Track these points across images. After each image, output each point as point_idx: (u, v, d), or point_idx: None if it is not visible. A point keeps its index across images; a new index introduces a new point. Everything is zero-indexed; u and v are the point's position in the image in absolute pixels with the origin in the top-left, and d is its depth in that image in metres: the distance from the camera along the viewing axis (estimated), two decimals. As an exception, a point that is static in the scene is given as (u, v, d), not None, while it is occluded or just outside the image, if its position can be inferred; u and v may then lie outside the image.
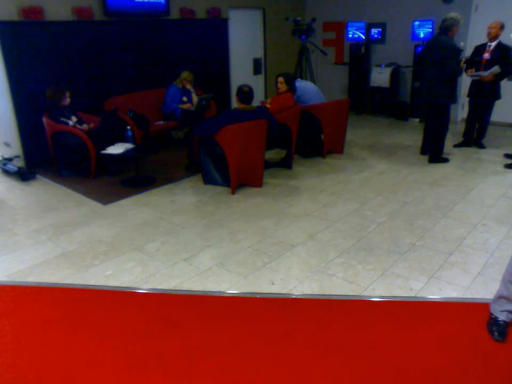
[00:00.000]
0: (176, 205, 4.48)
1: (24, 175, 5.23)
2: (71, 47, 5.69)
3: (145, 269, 3.31)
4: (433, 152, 5.58)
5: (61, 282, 3.17)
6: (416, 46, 7.69)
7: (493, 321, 2.55)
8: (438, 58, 5.10)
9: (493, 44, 5.62)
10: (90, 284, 3.15)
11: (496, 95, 5.76)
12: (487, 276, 3.13)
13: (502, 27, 5.54)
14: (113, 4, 5.93)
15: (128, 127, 5.14)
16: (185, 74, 6.38)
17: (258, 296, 2.97)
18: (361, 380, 2.26)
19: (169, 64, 6.81)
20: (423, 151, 5.85)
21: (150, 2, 6.35)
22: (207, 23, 7.23)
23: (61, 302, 2.96)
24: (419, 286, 3.03)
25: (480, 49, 5.73)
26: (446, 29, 5.11)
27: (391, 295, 2.94)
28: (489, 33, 5.60)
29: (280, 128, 5.10)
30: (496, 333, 2.49)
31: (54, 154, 5.29)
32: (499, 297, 2.56)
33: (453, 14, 5.08)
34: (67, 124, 5.11)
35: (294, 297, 2.96)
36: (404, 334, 2.58)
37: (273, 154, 5.95)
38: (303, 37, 7.18)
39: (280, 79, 5.51)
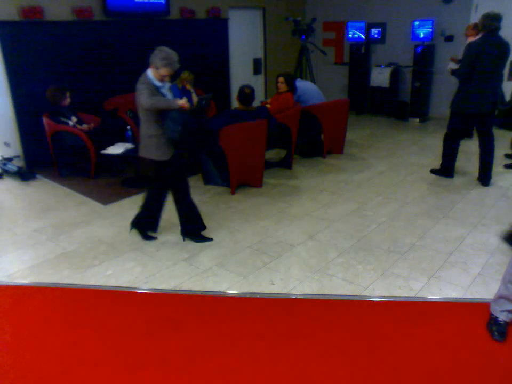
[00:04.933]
0: (176, 205, 4.48)
1: (24, 175, 5.23)
2: (71, 47, 5.69)
3: (145, 269, 3.31)
4: (489, 171, 4.82)
5: (61, 282, 3.17)
6: (416, 46, 7.69)
7: (493, 321, 2.55)
8: (502, 62, 4.53)
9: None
10: (90, 284, 3.15)
11: None
12: (487, 276, 3.13)
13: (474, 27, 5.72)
14: (113, 4, 5.93)
15: (128, 127, 5.14)
16: (185, 75, 6.37)
17: (258, 296, 2.97)
18: (361, 379, 2.26)
19: (169, 64, 6.80)
20: (485, 180, 4.83)
21: (150, 2, 6.35)
22: (207, 23, 7.23)
23: (61, 302, 2.96)
24: (419, 286, 3.03)
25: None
26: (498, 28, 4.43)
27: (391, 295, 2.94)
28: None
29: (280, 128, 5.10)
30: (496, 333, 2.49)
31: (54, 154, 5.29)
32: (499, 297, 2.56)
33: (496, 11, 4.50)
34: (67, 124, 5.11)
35: (294, 297, 2.96)
36: (404, 334, 2.58)
37: (273, 154, 5.95)
38: (303, 37, 7.18)
39: (281, 79, 5.51)
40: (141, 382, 2.26)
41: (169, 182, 3.53)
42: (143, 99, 3.16)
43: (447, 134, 4.93)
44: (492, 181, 4.84)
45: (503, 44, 4.48)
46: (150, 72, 3.26)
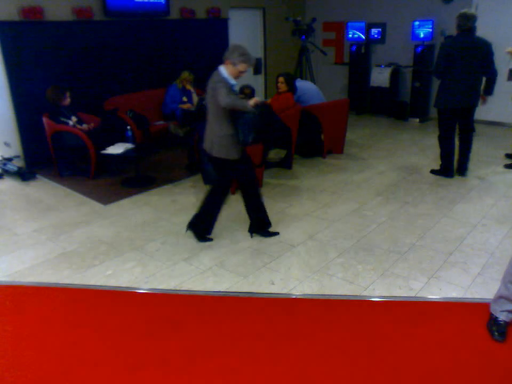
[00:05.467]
0: (176, 205, 4.48)
1: (24, 175, 5.23)
2: (71, 47, 5.69)
3: (145, 269, 3.31)
4: (466, 163, 5.10)
5: (61, 282, 3.17)
6: (416, 46, 7.68)
7: (493, 321, 2.55)
8: (480, 60, 4.60)
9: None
10: (90, 284, 3.15)
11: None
12: (487, 276, 3.13)
13: None
14: (113, 4, 5.93)
15: (128, 127, 5.14)
16: (185, 75, 6.38)
17: (258, 296, 2.97)
18: (361, 379, 2.26)
19: (169, 64, 6.81)
20: (462, 170, 5.09)
21: (150, 2, 6.35)
22: (207, 23, 7.24)
23: (61, 302, 2.96)
24: (419, 286, 3.03)
25: None
26: (472, 28, 4.57)
27: (391, 295, 2.94)
28: None
29: (280, 128, 5.10)
30: (496, 333, 2.49)
31: (54, 154, 5.28)
32: (499, 297, 2.56)
33: (471, 11, 4.67)
34: (67, 124, 5.11)
35: (294, 297, 2.96)
36: (404, 334, 2.58)
37: (273, 154, 5.95)
38: (303, 37, 7.18)
39: (281, 78, 5.51)
40: (141, 382, 2.26)
41: (241, 180, 3.59)
42: (221, 98, 3.13)
43: (439, 134, 5.02)
44: (468, 172, 5.12)
45: (479, 43, 4.60)
46: (225, 70, 3.25)
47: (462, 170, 5.09)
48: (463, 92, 4.67)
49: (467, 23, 4.52)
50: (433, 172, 5.20)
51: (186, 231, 3.77)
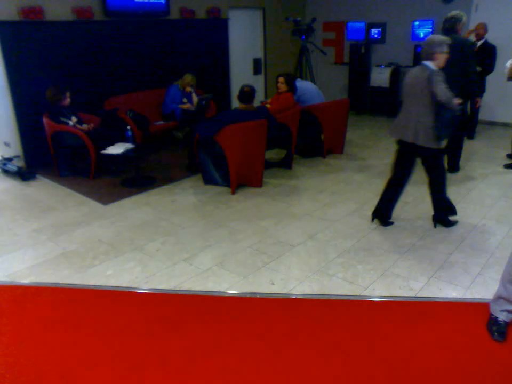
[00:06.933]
0: (176, 205, 4.48)
1: (24, 175, 5.24)
2: (71, 47, 5.69)
3: (145, 269, 3.31)
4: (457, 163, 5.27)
5: (61, 282, 3.17)
6: (416, 46, 7.69)
7: (493, 321, 2.55)
8: (456, 59, 4.61)
9: (479, 42, 6.22)
10: (90, 284, 3.15)
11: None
12: (487, 276, 3.13)
13: (486, 28, 6.25)
14: (113, 4, 5.93)
15: (128, 127, 5.14)
16: (188, 78, 6.36)
17: (258, 296, 2.97)
18: (361, 379, 2.26)
19: (169, 64, 6.81)
20: (453, 169, 5.25)
21: (150, 2, 6.35)
22: (207, 23, 7.23)
23: (61, 302, 2.96)
24: (419, 286, 3.03)
25: None
26: (449, 29, 4.81)
27: (391, 295, 2.94)
28: (477, 34, 6.23)
29: (280, 128, 5.10)
30: (496, 333, 2.49)
31: (54, 154, 5.28)
32: (498, 297, 2.56)
33: (453, 13, 4.87)
34: (67, 124, 5.10)
35: (294, 297, 2.96)
36: (404, 334, 2.58)
37: (273, 154, 5.95)
38: (303, 37, 7.17)
39: (281, 79, 5.51)
40: (141, 382, 2.26)
41: (436, 170, 3.72)
42: (441, 92, 3.32)
43: None
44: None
45: (458, 43, 4.64)
46: (431, 64, 3.44)
47: (454, 168, 5.21)
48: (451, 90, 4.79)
49: (445, 24, 4.79)
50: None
51: (372, 221, 3.98)
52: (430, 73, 3.37)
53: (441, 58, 3.43)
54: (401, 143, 3.69)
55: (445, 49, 3.42)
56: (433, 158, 3.64)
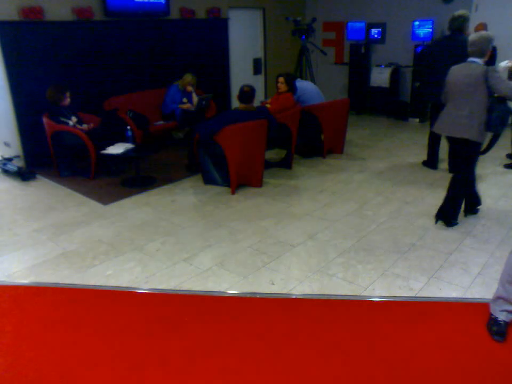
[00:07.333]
0: (176, 205, 4.48)
1: (24, 175, 5.23)
2: (71, 47, 5.69)
3: (145, 269, 3.31)
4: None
5: (61, 282, 3.17)
6: (416, 46, 7.68)
7: (492, 321, 2.55)
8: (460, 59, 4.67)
9: None
10: (90, 284, 3.15)
11: None
12: (487, 276, 3.13)
13: (486, 28, 6.16)
14: (113, 4, 5.93)
15: (128, 127, 5.14)
16: (188, 78, 6.36)
17: (258, 296, 2.97)
18: (361, 379, 2.26)
19: (169, 64, 6.81)
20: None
21: (150, 2, 6.35)
22: (207, 23, 7.23)
23: (61, 302, 2.96)
24: (419, 286, 3.03)
25: None
26: (459, 28, 4.73)
27: (391, 295, 2.94)
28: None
29: (280, 128, 5.10)
30: (496, 333, 2.49)
31: (54, 154, 5.28)
32: (498, 297, 2.56)
33: (460, 12, 4.81)
34: (67, 124, 5.10)
35: (294, 297, 2.96)
36: (404, 334, 2.58)
37: (273, 154, 5.95)
38: (303, 37, 7.18)
39: (281, 79, 5.51)
40: (141, 382, 2.26)
41: (472, 164, 3.79)
42: (503, 88, 3.41)
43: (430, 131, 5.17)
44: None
45: (453, 42, 4.80)
46: (481, 61, 3.56)
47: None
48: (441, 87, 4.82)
49: (453, 23, 4.77)
50: (423, 163, 5.53)
51: (435, 222, 3.96)
52: (486, 70, 3.44)
53: (489, 54, 3.56)
54: (451, 139, 3.76)
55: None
56: (475, 152, 3.69)
